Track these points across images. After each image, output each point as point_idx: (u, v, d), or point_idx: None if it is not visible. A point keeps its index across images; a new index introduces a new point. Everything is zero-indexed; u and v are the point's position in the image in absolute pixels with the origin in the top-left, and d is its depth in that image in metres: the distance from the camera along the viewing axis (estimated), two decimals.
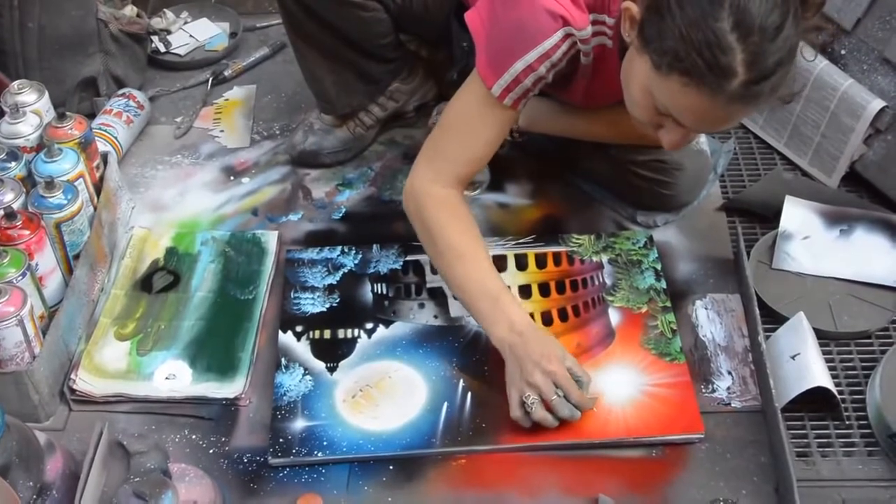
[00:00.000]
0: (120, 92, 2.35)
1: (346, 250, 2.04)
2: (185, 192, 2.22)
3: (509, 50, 1.70)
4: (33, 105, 2.00)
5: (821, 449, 1.73)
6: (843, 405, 1.77)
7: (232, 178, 2.25)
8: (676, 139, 1.65)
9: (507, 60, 1.70)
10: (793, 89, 1.61)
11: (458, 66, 2.13)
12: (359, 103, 2.20)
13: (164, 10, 2.63)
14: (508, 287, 1.81)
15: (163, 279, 2.01)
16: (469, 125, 1.81)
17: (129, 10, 2.40)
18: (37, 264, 1.79)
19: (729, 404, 1.79)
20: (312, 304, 1.95)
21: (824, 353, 1.82)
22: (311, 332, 1.90)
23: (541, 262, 2.01)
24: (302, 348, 1.87)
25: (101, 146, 2.10)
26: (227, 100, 2.47)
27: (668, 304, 1.93)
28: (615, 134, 2.02)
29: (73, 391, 1.81)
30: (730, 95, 1.48)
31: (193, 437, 1.77)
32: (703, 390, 1.81)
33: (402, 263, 2.02)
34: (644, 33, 1.53)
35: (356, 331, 1.90)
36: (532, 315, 1.90)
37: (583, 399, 1.72)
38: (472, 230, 1.84)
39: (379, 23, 2.05)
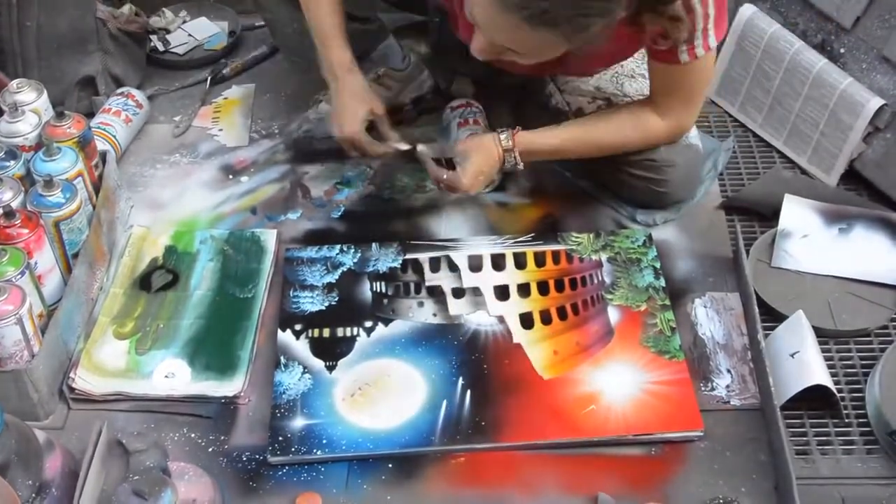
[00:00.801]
0: (119, 91, 2.35)
1: (344, 249, 2.04)
2: (183, 190, 2.22)
3: None
4: (32, 104, 1.99)
5: (820, 447, 1.73)
6: (842, 403, 1.77)
7: (231, 176, 2.25)
8: (479, 46, 1.70)
9: None
10: (592, 43, 1.62)
11: (431, 39, 2.14)
12: None
13: (163, 9, 2.63)
14: (342, 29, 1.99)
15: (162, 278, 2.01)
16: None
17: (128, 9, 2.40)
18: (36, 263, 1.79)
19: (728, 402, 1.79)
20: (311, 303, 1.95)
21: (823, 351, 1.82)
22: (310, 331, 1.90)
23: (540, 260, 2.01)
24: (301, 347, 1.87)
25: (100, 145, 2.10)
26: (225, 99, 2.47)
27: (668, 302, 1.93)
28: (621, 142, 2.03)
29: (72, 390, 1.81)
30: (511, 1, 1.53)
31: (192, 435, 1.77)
32: (703, 388, 1.81)
33: (401, 262, 2.02)
34: None
35: (355, 329, 1.90)
36: (531, 314, 1.91)
37: (377, 151, 1.98)
38: None
39: None
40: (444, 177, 2.02)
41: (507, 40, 1.65)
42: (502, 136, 2.00)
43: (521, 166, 2.02)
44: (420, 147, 2.07)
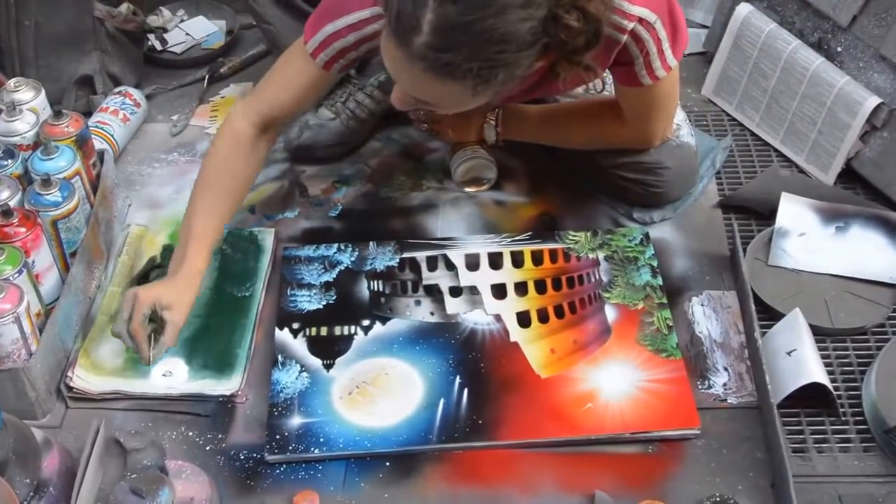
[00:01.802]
0: (116, 90, 2.35)
1: (342, 247, 2.04)
2: (181, 189, 2.22)
3: (327, 12, 1.79)
4: (30, 103, 1.99)
5: (817, 445, 1.74)
6: (839, 401, 1.77)
7: None
8: (396, 96, 1.70)
9: (322, 21, 1.79)
10: (504, 91, 1.62)
11: None
12: None
13: (161, 7, 2.63)
14: (213, 236, 1.86)
15: (160, 276, 2.01)
16: (284, 72, 1.91)
17: (126, 8, 2.40)
18: (33, 262, 1.79)
19: (725, 400, 1.80)
20: (309, 302, 1.95)
21: (820, 349, 1.82)
22: (307, 329, 1.90)
23: (537, 258, 2.01)
24: (298, 345, 1.87)
25: (98, 144, 2.10)
26: (223, 97, 2.47)
27: (665, 300, 1.93)
28: (589, 142, 2.06)
29: (69, 388, 1.81)
30: (415, 53, 1.51)
31: (190, 433, 1.77)
32: (700, 386, 1.81)
33: (398, 260, 2.02)
34: None
35: (353, 328, 1.90)
36: (528, 312, 1.91)
37: (141, 353, 1.77)
38: (231, 173, 1.90)
39: None
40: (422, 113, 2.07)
41: (417, 91, 1.64)
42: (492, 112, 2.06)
43: (498, 129, 2.06)
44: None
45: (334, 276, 1.99)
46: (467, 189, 2.18)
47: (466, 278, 1.98)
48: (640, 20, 1.71)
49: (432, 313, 1.92)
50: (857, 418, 1.77)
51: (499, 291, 1.95)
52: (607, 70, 1.86)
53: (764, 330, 1.85)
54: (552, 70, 1.65)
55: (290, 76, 1.89)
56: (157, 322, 1.77)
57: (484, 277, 1.98)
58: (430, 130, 2.18)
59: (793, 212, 2.05)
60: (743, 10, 2.26)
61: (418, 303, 1.94)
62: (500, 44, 1.48)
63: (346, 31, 1.77)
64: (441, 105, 1.69)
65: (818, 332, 1.86)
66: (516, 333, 1.88)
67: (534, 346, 1.86)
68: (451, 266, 2.00)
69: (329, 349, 1.87)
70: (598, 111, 2.04)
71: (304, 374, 1.82)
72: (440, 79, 1.54)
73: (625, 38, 1.72)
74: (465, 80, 1.53)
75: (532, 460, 1.72)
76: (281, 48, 2.16)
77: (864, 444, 1.73)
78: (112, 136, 2.22)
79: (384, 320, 1.91)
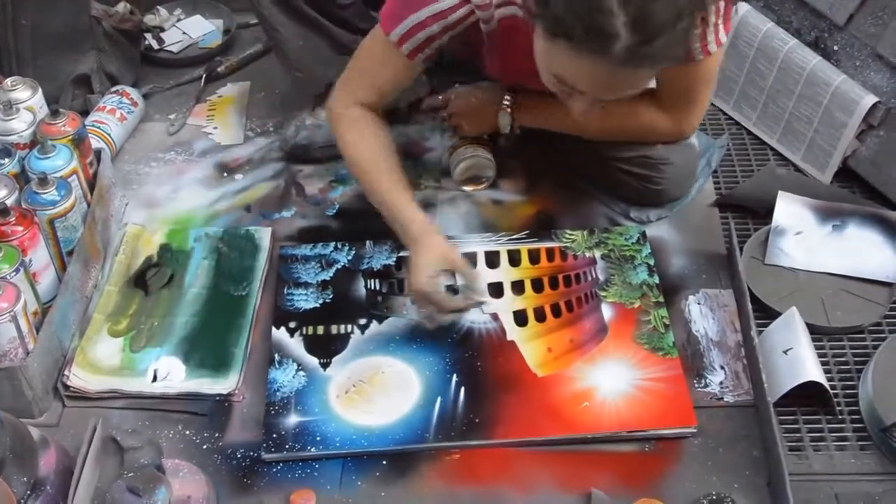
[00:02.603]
0: (113, 89, 2.35)
1: (339, 246, 2.04)
2: (178, 188, 2.22)
3: (409, 2, 1.78)
4: (27, 102, 2.00)
5: (813, 443, 1.74)
6: (835, 400, 1.77)
7: (225, 174, 2.25)
8: (583, 107, 1.68)
9: (404, 11, 1.79)
10: (690, 46, 1.63)
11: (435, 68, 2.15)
12: (334, 75, 2.19)
13: (158, 7, 2.63)
14: (410, 190, 1.91)
15: (156, 275, 2.01)
16: (372, 62, 1.92)
17: (123, 7, 2.40)
18: (30, 260, 1.79)
19: (721, 399, 1.80)
20: (306, 300, 1.95)
21: (817, 347, 1.83)
22: (304, 328, 1.90)
23: (534, 257, 2.01)
24: (295, 344, 1.87)
25: (95, 143, 2.10)
26: (220, 97, 2.47)
27: (661, 299, 1.93)
28: (605, 129, 2.02)
29: (66, 387, 1.82)
30: (616, 59, 1.50)
31: (187, 432, 1.77)
32: (696, 385, 1.82)
33: (395, 259, 2.02)
34: (537, 3, 1.55)
35: (349, 326, 1.90)
36: (525, 311, 1.91)
37: (449, 307, 1.83)
38: (379, 144, 1.93)
39: None
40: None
41: (616, 92, 1.64)
42: (507, 95, 2.04)
43: (514, 115, 2.04)
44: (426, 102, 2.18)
45: (331, 274, 1.99)
46: (466, 187, 2.18)
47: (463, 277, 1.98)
48: None
49: None
50: (854, 417, 1.77)
51: (496, 290, 1.95)
52: None
53: (760, 328, 1.85)
54: None
55: (377, 66, 1.91)
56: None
57: (481, 276, 1.97)
58: (444, 122, 2.18)
59: (789, 210, 2.06)
60: (740, 9, 2.26)
61: (415, 301, 1.94)
62: (687, 14, 1.50)
63: (431, 21, 1.77)
64: (627, 94, 1.69)
65: (815, 331, 1.86)
66: (513, 332, 1.88)
67: (530, 345, 1.86)
68: None
69: (326, 348, 1.87)
70: (643, 99, 1.98)
71: (301, 372, 1.82)
72: (641, 71, 1.57)
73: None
74: (664, 61, 1.55)
75: (529, 459, 1.72)
76: (287, 53, 2.17)
77: (860, 443, 1.74)
78: (109, 135, 2.22)
79: (381, 319, 1.92)
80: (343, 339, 1.88)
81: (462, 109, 2.14)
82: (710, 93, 1.98)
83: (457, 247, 1.91)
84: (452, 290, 1.87)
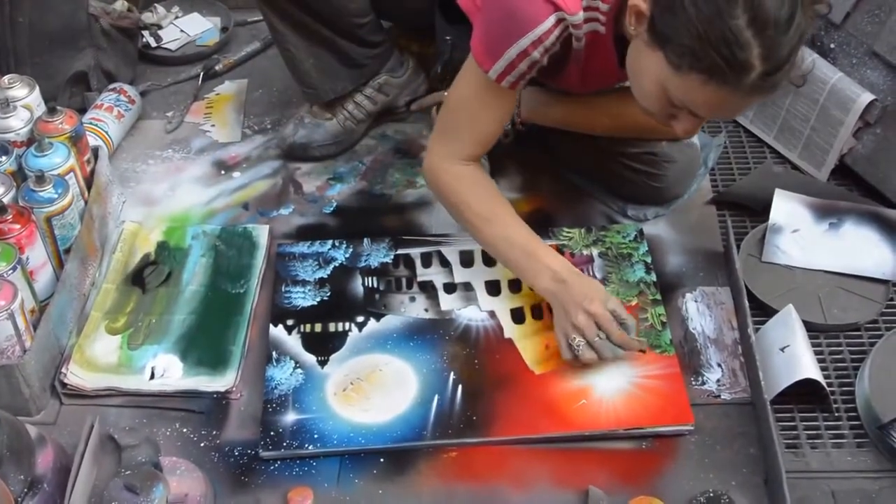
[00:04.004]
0: (111, 86, 2.36)
1: (336, 244, 2.04)
2: (175, 186, 2.22)
3: (504, 35, 1.71)
4: (24, 99, 2.00)
5: (810, 441, 1.74)
6: (832, 397, 1.78)
7: (223, 172, 2.25)
8: (690, 128, 1.67)
9: (501, 45, 1.72)
10: (802, 70, 1.60)
11: (441, 60, 2.13)
12: (342, 88, 2.20)
13: (155, 4, 2.64)
14: (540, 238, 1.86)
15: (154, 273, 2.01)
16: (472, 108, 1.84)
17: (120, 5, 2.40)
18: (27, 258, 1.79)
19: (718, 396, 1.80)
20: (303, 298, 1.95)
21: (813, 345, 1.83)
22: (301, 326, 1.90)
23: None
24: (293, 342, 1.87)
25: (92, 140, 2.10)
26: (218, 94, 2.47)
27: (658, 296, 1.93)
28: (616, 126, 2.02)
29: (64, 385, 1.81)
30: (748, 88, 1.50)
31: (184, 430, 1.77)
32: (693, 382, 1.82)
33: (392, 257, 2.02)
34: (656, 31, 1.54)
35: (347, 324, 1.90)
36: (522, 308, 1.91)
37: (624, 339, 1.76)
38: (493, 194, 1.89)
39: (353, 0, 2.08)
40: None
41: (731, 115, 1.68)
42: None
43: (518, 119, 2.00)
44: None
45: (329, 272, 2.00)
46: None
47: (461, 275, 1.98)
48: None
49: (426, 310, 1.92)
50: (851, 414, 1.77)
51: (493, 288, 1.95)
52: None
53: (757, 326, 1.85)
54: None
55: (479, 110, 1.84)
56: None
57: (478, 274, 1.98)
58: None
59: (786, 208, 2.06)
60: None
61: (413, 299, 1.94)
62: (804, 35, 1.51)
63: (532, 48, 1.70)
64: (742, 113, 1.70)
65: (811, 329, 1.86)
66: (510, 330, 1.88)
67: (528, 343, 1.86)
68: (445, 262, 2.00)
69: (323, 346, 1.87)
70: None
71: (299, 370, 1.82)
72: (768, 96, 1.58)
73: None
74: (783, 87, 1.55)
75: (526, 456, 1.72)
76: (298, 69, 2.18)
77: (857, 440, 1.74)
78: (106, 132, 2.22)
79: (378, 317, 1.92)
80: (341, 337, 1.88)
81: None
82: None
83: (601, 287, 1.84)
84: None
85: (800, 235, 2.02)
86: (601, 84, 1.90)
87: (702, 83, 1.51)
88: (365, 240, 2.05)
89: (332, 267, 2.00)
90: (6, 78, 2.02)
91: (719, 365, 1.84)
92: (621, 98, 1.97)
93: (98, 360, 1.85)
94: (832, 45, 2.15)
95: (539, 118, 2.09)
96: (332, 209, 2.16)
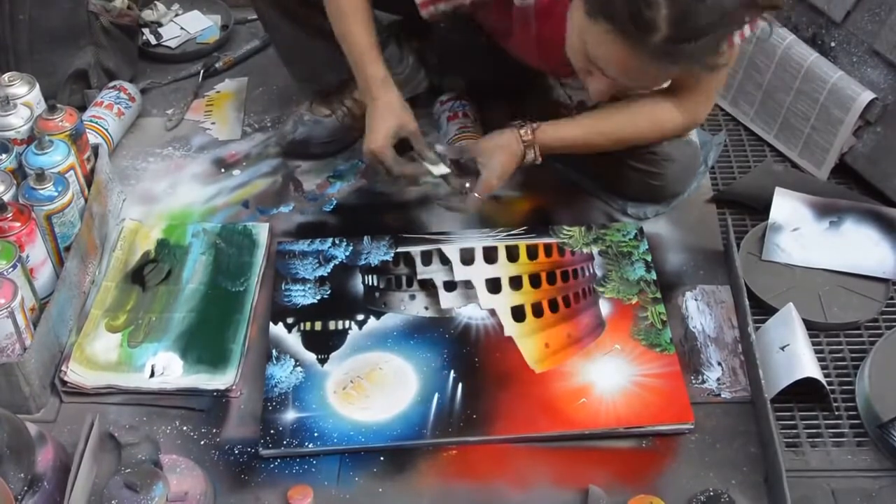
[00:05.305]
0: (111, 84, 2.35)
1: (336, 242, 2.04)
2: (176, 184, 2.22)
3: None
4: (24, 97, 1.99)
5: (810, 439, 1.74)
6: (832, 396, 1.78)
7: (223, 170, 2.25)
8: (601, 88, 1.69)
9: None
10: (720, 61, 1.62)
11: (437, 49, 2.12)
12: (338, 77, 2.19)
13: (155, 2, 2.63)
14: (379, 47, 1.95)
15: (154, 271, 2.01)
16: None
17: (120, 3, 2.40)
18: (27, 256, 1.79)
19: (719, 395, 1.80)
20: (303, 296, 1.95)
21: (814, 344, 1.83)
22: (301, 324, 1.90)
23: (532, 253, 2.01)
24: (293, 340, 1.87)
25: (92, 138, 2.10)
26: (218, 92, 2.47)
27: (659, 295, 1.93)
28: (620, 142, 2.00)
29: (64, 383, 1.82)
30: (651, 50, 1.51)
31: (184, 428, 1.77)
32: (693, 381, 1.82)
33: (392, 255, 2.02)
34: None
35: (347, 322, 1.90)
36: (522, 306, 1.91)
37: (396, 178, 1.95)
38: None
39: None
40: (468, 184, 1.95)
41: (638, 82, 1.67)
42: (522, 131, 1.94)
43: (538, 160, 1.97)
44: (439, 147, 2.02)
45: (329, 270, 1.99)
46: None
47: (461, 273, 1.98)
48: None
49: (426, 308, 1.92)
50: (851, 413, 1.77)
51: (493, 286, 1.95)
52: None
53: (757, 325, 1.86)
54: None
55: None
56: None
57: (479, 272, 1.98)
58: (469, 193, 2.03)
59: (786, 207, 2.06)
60: None
61: (413, 297, 1.94)
62: (728, 23, 1.52)
63: None
64: (652, 86, 1.71)
65: (811, 327, 1.86)
66: (511, 328, 1.88)
67: (528, 341, 1.86)
68: (445, 260, 2.00)
69: (323, 344, 1.87)
70: (651, 97, 1.96)
71: (299, 368, 1.82)
72: (672, 67, 1.58)
73: None
74: (698, 62, 1.56)
75: (526, 455, 1.72)
76: (293, 59, 2.22)
77: (857, 439, 1.74)
78: (106, 130, 2.22)
79: (378, 315, 1.92)
80: (341, 335, 1.88)
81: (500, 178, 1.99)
82: (718, 88, 2.00)
83: (412, 114, 1.97)
84: (410, 157, 1.96)
85: (800, 234, 2.02)
86: (562, 55, 1.83)
87: (609, 35, 1.54)
88: (365, 238, 2.05)
89: (332, 265, 2.00)
90: (6, 75, 2.02)
91: (719, 363, 1.84)
92: (645, 102, 1.98)
93: (98, 358, 1.85)
94: (832, 44, 2.14)
95: (550, 150, 2.00)
96: (332, 207, 2.16)
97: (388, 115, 1.92)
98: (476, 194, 1.93)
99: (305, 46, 2.14)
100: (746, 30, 1.76)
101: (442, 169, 1.96)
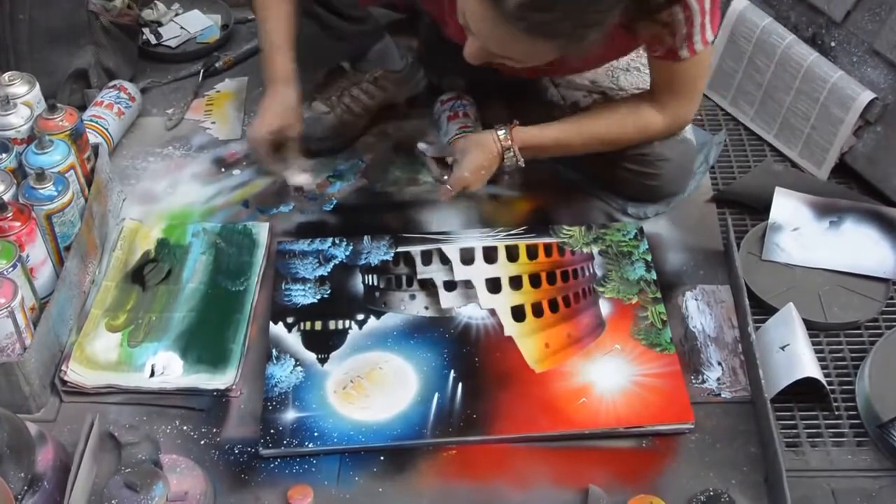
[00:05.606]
0: (111, 84, 2.35)
1: (336, 242, 2.04)
2: (176, 183, 2.22)
3: None
4: (24, 97, 1.99)
5: (810, 439, 1.74)
6: (832, 396, 1.78)
7: (223, 169, 2.25)
8: (472, 51, 1.69)
9: None
10: (586, 51, 1.62)
11: (421, 38, 2.12)
12: (330, 60, 2.18)
13: (156, 1, 2.63)
14: (291, 43, 1.99)
15: (154, 271, 2.01)
16: None
17: (120, 2, 2.40)
18: (27, 256, 1.79)
19: (719, 395, 1.80)
20: (303, 296, 1.95)
21: (814, 343, 1.83)
22: (302, 324, 1.90)
23: (532, 253, 2.01)
24: (293, 340, 1.87)
25: (92, 138, 2.10)
26: (218, 91, 2.47)
27: (659, 294, 1.93)
28: (606, 144, 2.02)
29: (64, 382, 1.81)
30: (507, 12, 1.52)
31: (184, 428, 1.77)
32: (693, 381, 1.82)
33: (392, 255, 2.02)
34: None
35: (347, 322, 1.90)
36: (522, 306, 1.91)
37: (264, 167, 2.08)
38: None
39: None
40: (445, 177, 2.00)
41: (501, 49, 1.65)
42: (500, 133, 1.96)
43: (521, 163, 1.98)
44: (420, 145, 2.07)
45: (329, 270, 2.00)
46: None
47: (461, 272, 1.98)
48: None
49: (427, 308, 1.92)
50: (851, 413, 1.77)
51: (493, 285, 1.95)
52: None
53: (758, 324, 1.86)
54: (631, 30, 1.70)
55: None
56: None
57: (479, 271, 1.98)
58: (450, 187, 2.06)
59: (787, 206, 2.06)
60: (738, 4, 2.26)
61: (413, 297, 1.94)
62: (594, 3, 1.51)
63: None
64: (522, 60, 1.68)
65: (812, 327, 1.86)
66: (511, 328, 1.88)
67: (528, 341, 1.86)
68: (445, 260, 2.00)
69: (323, 343, 1.87)
70: (633, 101, 2.01)
71: (299, 368, 1.82)
72: (532, 38, 1.56)
73: (676, 6, 1.73)
74: (557, 39, 1.55)
75: (526, 455, 1.72)
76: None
77: (857, 439, 1.74)
78: (107, 129, 2.22)
79: (378, 314, 1.92)
80: (341, 335, 1.88)
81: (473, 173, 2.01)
82: (701, 88, 1.99)
83: (300, 119, 2.02)
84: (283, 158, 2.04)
85: (800, 234, 2.02)
86: None
87: None
88: (365, 237, 2.05)
89: (332, 265, 2.00)
90: (6, 75, 2.02)
91: (719, 363, 1.84)
92: (625, 106, 2.01)
93: (98, 358, 1.85)
94: (832, 44, 2.14)
95: (531, 151, 2.01)
96: (332, 207, 2.16)
97: (276, 112, 1.97)
98: (448, 186, 1.98)
99: (301, 45, 2.13)
100: (709, 34, 1.80)
101: (298, 180, 2.06)
